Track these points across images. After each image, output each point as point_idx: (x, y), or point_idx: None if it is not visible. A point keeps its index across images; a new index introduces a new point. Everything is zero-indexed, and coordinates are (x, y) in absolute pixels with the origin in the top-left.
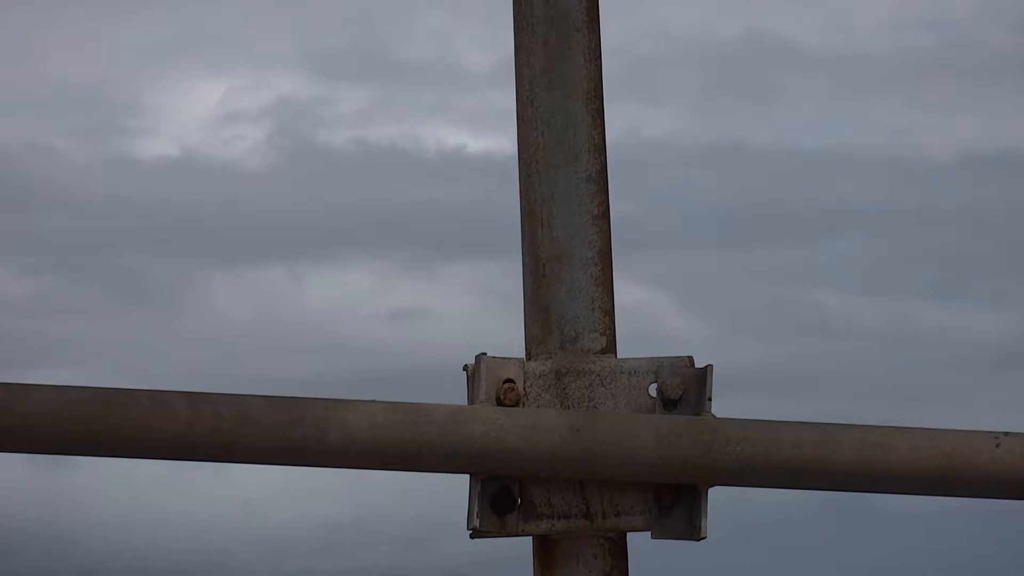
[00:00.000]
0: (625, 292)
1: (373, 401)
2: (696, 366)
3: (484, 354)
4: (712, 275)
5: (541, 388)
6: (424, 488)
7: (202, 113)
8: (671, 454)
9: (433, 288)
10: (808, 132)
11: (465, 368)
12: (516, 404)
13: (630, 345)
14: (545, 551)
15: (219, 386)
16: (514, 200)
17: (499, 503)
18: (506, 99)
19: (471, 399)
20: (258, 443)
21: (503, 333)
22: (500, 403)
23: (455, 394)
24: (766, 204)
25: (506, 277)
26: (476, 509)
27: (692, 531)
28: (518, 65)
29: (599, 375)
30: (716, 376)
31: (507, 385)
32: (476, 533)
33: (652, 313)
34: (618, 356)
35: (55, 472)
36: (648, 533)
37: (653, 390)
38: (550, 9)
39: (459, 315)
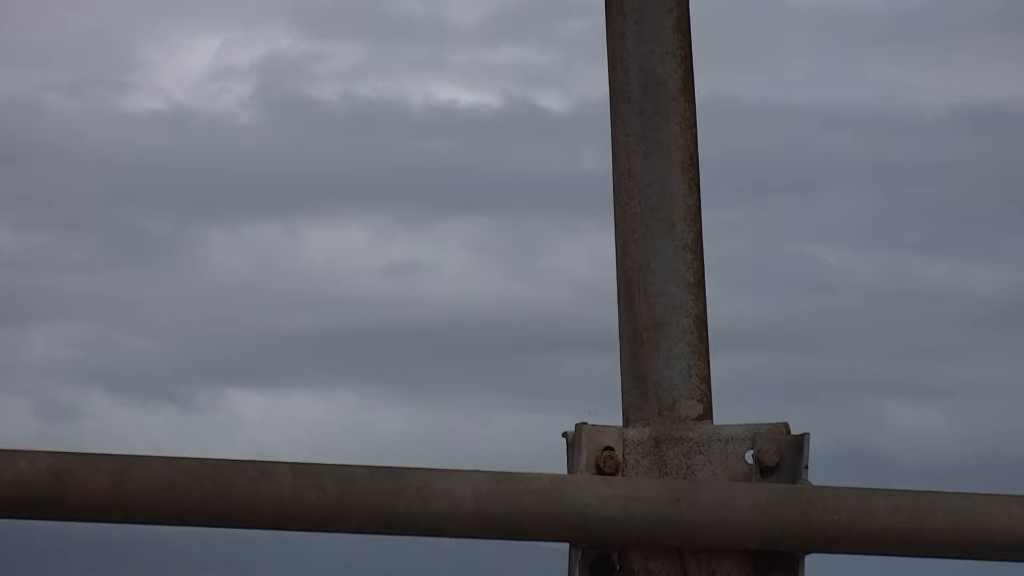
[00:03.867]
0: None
1: (475, 471)
2: (792, 433)
3: (584, 423)
4: (706, 230)
5: (640, 455)
6: (434, 439)
7: (196, 69)
8: (769, 523)
9: (428, 243)
10: (801, 87)
11: (565, 435)
12: (615, 472)
13: None
14: None
15: (218, 340)
16: (500, 158)
17: (598, 570)
18: (496, 55)
19: (571, 467)
20: (362, 514)
21: (497, 287)
22: (600, 470)
23: (454, 350)
24: (759, 159)
25: (495, 232)
26: None
27: None
28: (614, 133)
29: (697, 442)
30: (719, 329)
31: (606, 453)
32: None
33: None
34: (714, 422)
35: (62, 425)
36: None
37: (750, 457)
38: (646, 77)
39: (454, 269)
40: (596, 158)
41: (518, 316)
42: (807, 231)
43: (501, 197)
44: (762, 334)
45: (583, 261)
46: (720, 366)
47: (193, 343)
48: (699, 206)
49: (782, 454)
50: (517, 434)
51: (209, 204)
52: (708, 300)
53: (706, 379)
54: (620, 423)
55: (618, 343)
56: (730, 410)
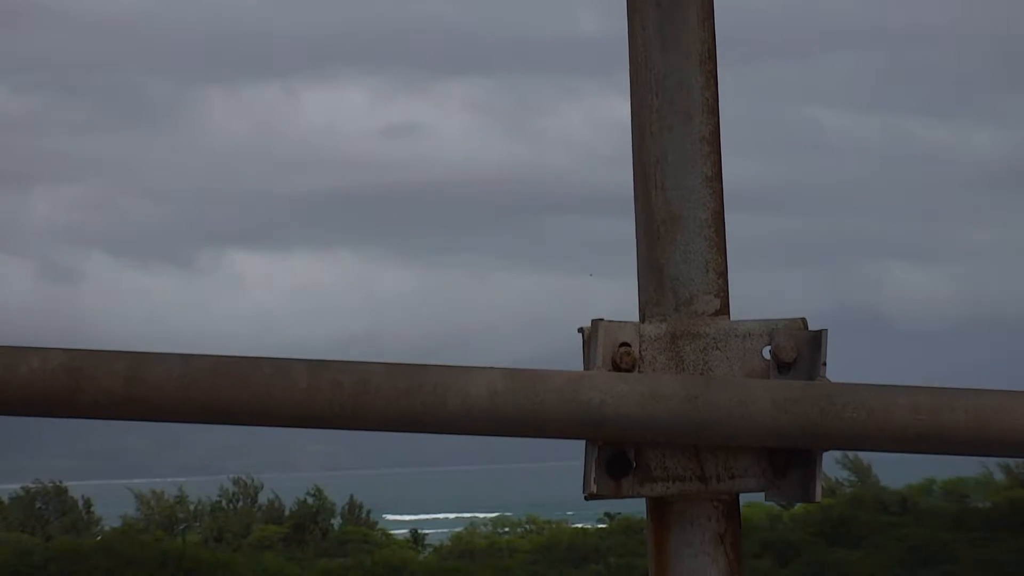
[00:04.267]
0: (621, 110)
1: (492, 368)
2: (809, 328)
3: (601, 319)
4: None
5: (656, 351)
6: (435, 300)
7: None
8: (787, 420)
9: (427, 104)
10: None
11: (580, 331)
12: (632, 368)
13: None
14: (659, 513)
15: (219, 202)
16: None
17: (615, 467)
18: None
19: (587, 363)
20: (378, 411)
21: (496, 149)
22: (616, 367)
23: (454, 212)
24: (759, 21)
25: (494, 93)
26: (593, 474)
27: (807, 494)
28: (631, 26)
29: (714, 338)
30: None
31: (623, 349)
32: (592, 496)
33: None
34: (731, 318)
35: (65, 287)
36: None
37: (767, 353)
38: None
39: (453, 131)
40: (595, 20)
41: (518, 177)
42: (806, 94)
43: (500, 59)
44: (762, 196)
45: (582, 123)
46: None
47: (194, 205)
48: (717, 99)
49: (800, 350)
50: (517, 293)
51: (208, 66)
52: None
53: (723, 274)
54: (636, 318)
55: (634, 237)
56: (734, 271)
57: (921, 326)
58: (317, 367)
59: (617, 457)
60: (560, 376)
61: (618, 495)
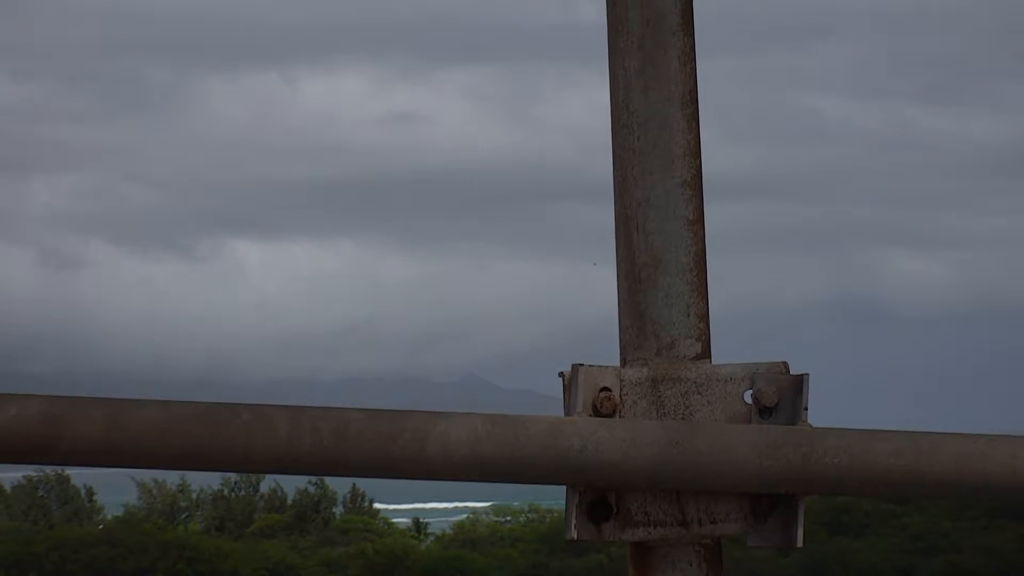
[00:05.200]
0: None
1: (472, 414)
2: (791, 373)
3: (581, 364)
4: (703, 78)
5: (637, 396)
6: (435, 288)
7: None
8: (769, 466)
9: (426, 93)
10: None
11: (561, 375)
12: (613, 413)
13: None
14: (641, 558)
15: (219, 189)
16: None
17: (596, 512)
18: None
19: (568, 408)
20: (357, 458)
21: (495, 137)
22: (597, 411)
23: (454, 200)
24: (759, 9)
25: (493, 82)
26: (574, 520)
27: (788, 539)
28: (612, 67)
29: (695, 382)
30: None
31: (604, 394)
32: (574, 542)
33: None
34: (712, 360)
35: (68, 274)
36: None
37: (748, 397)
38: (645, 11)
39: (452, 119)
40: (593, 7)
41: (517, 166)
42: (805, 81)
43: (498, 47)
44: (762, 182)
45: (581, 111)
46: (722, 215)
47: (194, 193)
48: (699, 142)
49: (781, 394)
50: (518, 280)
51: (208, 54)
52: (708, 150)
53: (704, 317)
54: (617, 363)
55: (616, 281)
56: (736, 258)
57: (922, 313)
58: (296, 413)
59: (598, 502)
60: (541, 422)
61: (599, 540)
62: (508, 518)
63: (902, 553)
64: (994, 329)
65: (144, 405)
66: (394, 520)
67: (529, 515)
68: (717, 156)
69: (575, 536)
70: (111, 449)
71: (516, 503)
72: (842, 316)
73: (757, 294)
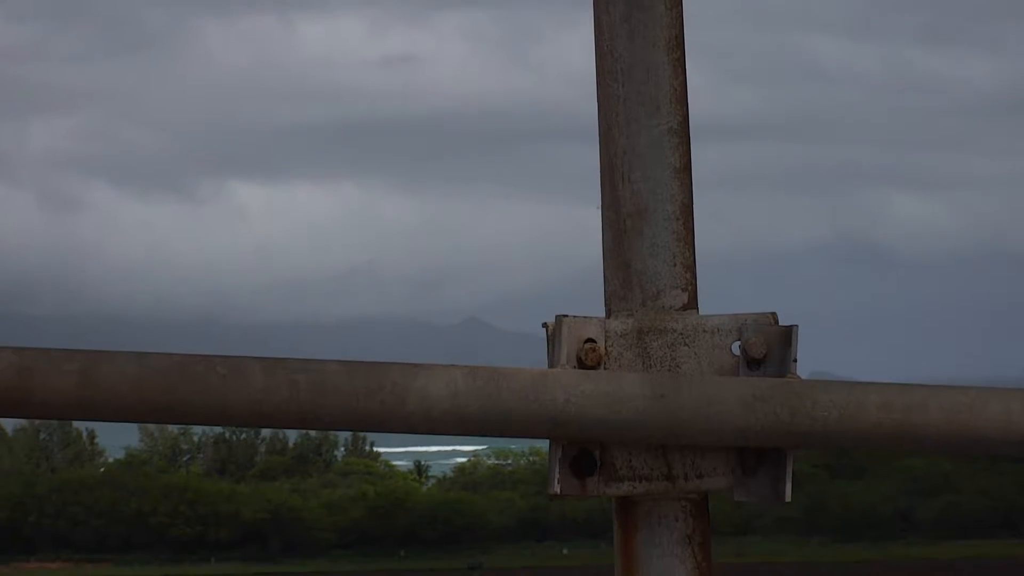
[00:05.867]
0: None
1: (452, 367)
2: (779, 323)
3: (565, 316)
4: (699, 20)
5: (623, 347)
6: (435, 233)
7: None
8: (756, 419)
9: (424, 35)
10: None
11: (545, 326)
12: (598, 365)
13: None
14: (626, 513)
15: (219, 132)
16: None
17: (580, 466)
18: None
19: (552, 361)
20: (335, 411)
21: (494, 79)
22: (581, 363)
23: (454, 142)
24: None
25: (491, 24)
26: (557, 474)
27: (776, 494)
28: (597, 13)
29: (681, 333)
30: None
31: (588, 345)
32: (556, 496)
33: None
34: (700, 312)
35: (69, 216)
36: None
37: (736, 348)
38: None
39: (450, 62)
40: None
41: (517, 107)
42: (803, 21)
43: None
44: (761, 126)
45: (580, 53)
46: (723, 156)
47: (194, 135)
48: (685, 88)
49: (769, 346)
50: (519, 223)
51: None
52: (706, 92)
53: (691, 267)
54: (602, 313)
55: (600, 231)
56: (739, 200)
57: (925, 256)
58: (273, 365)
59: (582, 456)
60: (523, 374)
61: (583, 495)
62: (509, 461)
63: (902, 495)
64: (995, 273)
65: (117, 358)
66: (395, 463)
67: (531, 459)
68: (720, 99)
69: (558, 491)
70: (84, 402)
71: (514, 446)
72: (847, 260)
73: (757, 237)
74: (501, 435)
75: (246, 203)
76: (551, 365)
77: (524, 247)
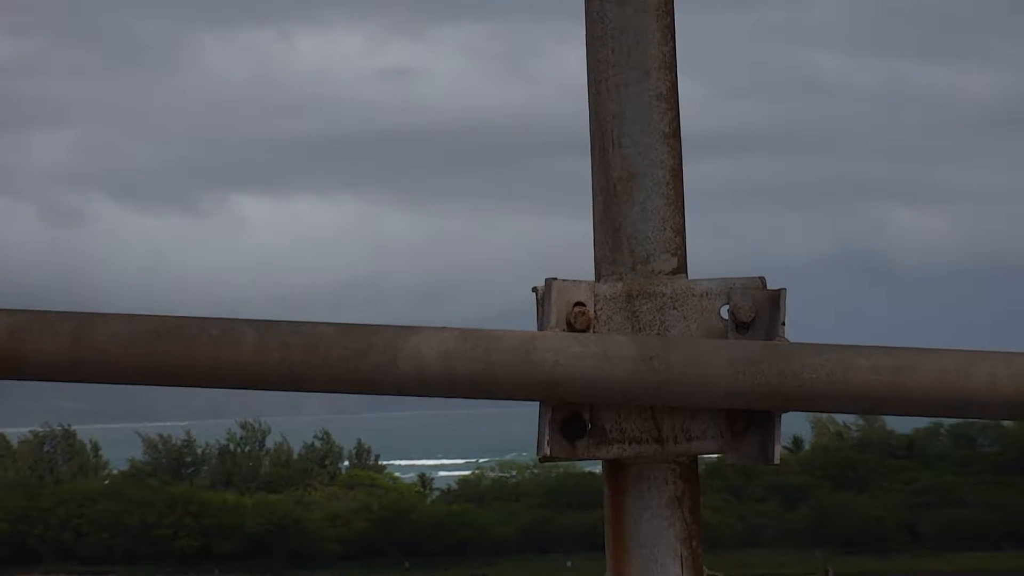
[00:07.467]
0: None
1: (443, 328)
2: (768, 288)
3: (555, 279)
4: (699, 32)
5: (612, 311)
6: (437, 244)
7: None
8: (745, 382)
9: (422, 49)
10: None
11: (534, 290)
12: (587, 328)
13: None
14: (615, 476)
15: (219, 145)
16: None
17: (569, 429)
18: None
19: (541, 323)
20: (327, 373)
21: (492, 93)
22: (571, 327)
23: (453, 156)
24: None
25: (492, 39)
26: (547, 436)
27: (765, 456)
28: None
29: (671, 297)
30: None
31: (577, 309)
32: (546, 459)
33: None
34: (689, 276)
35: (70, 229)
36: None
37: (725, 312)
38: None
39: (448, 75)
40: None
41: (515, 121)
42: (802, 34)
43: (492, 2)
44: (761, 139)
45: (579, 66)
46: (721, 170)
47: (195, 148)
48: (674, 55)
49: (758, 309)
50: (519, 236)
51: (203, 10)
52: (706, 104)
53: (680, 232)
54: (592, 277)
55: (591, 195)
56: (737, 212)
57: (923, 267)
58: (264, 328)
59: (572, 419)
60: (513, 336)
61: (573, 457)
62: (514, 473)
63: (906, 508)
64: (994, 283)
65: (110, 319)
66: (401, 476)
67: (535, 471)
68: (717, 112)
69: (548, 453)
70: (76, 364)
71: (524, 455)
72: (846, 271)
73: (758, 248)
74: (491, 397)
75: (249, 215)
76: (540, 328)
77: (526, 259)
